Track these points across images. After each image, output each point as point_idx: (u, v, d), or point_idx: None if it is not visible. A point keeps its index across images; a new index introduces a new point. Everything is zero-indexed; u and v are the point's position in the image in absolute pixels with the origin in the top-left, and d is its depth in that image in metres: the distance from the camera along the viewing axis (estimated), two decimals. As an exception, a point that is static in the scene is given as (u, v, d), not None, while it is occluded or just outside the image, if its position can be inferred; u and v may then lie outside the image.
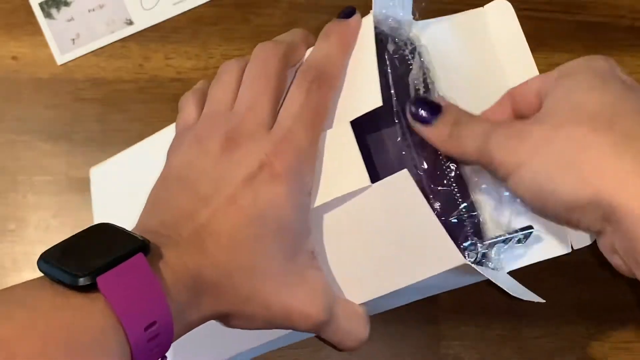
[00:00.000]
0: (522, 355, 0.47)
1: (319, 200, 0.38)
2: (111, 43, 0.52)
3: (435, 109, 0.38)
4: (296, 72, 0.39)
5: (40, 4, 0.52)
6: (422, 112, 0.38)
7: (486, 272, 0.37)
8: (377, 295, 0.39)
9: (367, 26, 0.40)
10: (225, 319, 0.35)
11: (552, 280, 0.48)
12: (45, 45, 0.52)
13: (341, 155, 0.38)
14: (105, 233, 0.31)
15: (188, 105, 0.40)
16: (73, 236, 0.31)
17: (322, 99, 0.37)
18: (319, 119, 0.37)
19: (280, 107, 0.37)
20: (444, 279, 0.38)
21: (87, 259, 0.29)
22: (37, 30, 0.52)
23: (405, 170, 0.36)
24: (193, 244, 0.33)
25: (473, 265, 0.36)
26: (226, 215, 0.34)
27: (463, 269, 0.36)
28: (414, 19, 0.42)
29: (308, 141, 0.36)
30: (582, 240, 0.41)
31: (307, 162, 0.36)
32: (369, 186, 0.37)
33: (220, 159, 0.35)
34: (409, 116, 0.38)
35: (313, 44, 0.41)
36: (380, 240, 0.38)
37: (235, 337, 0.39)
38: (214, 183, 0.35)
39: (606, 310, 0.48)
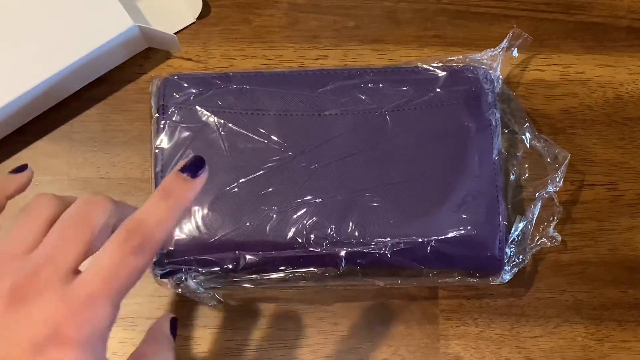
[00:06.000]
0: (521, 355, 0.47)
1: None
2: (112, 43, 0.52)
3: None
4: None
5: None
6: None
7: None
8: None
9: None
10: None
11: (552, 280, 0.48)
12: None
13: None
14: None
15: None
16: None
17: (139, 269, 0.31)
18: (126, 289, 0.31)
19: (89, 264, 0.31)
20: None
21: None
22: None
23: None
24: None
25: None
26: None
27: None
28: None
29: (109, 315, 0.30)
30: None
31: (104, 333, 0.30)
32: None
33: (3, 315, 0.29)
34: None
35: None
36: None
37: None
38: None
39: (606, 310, 0.48)
